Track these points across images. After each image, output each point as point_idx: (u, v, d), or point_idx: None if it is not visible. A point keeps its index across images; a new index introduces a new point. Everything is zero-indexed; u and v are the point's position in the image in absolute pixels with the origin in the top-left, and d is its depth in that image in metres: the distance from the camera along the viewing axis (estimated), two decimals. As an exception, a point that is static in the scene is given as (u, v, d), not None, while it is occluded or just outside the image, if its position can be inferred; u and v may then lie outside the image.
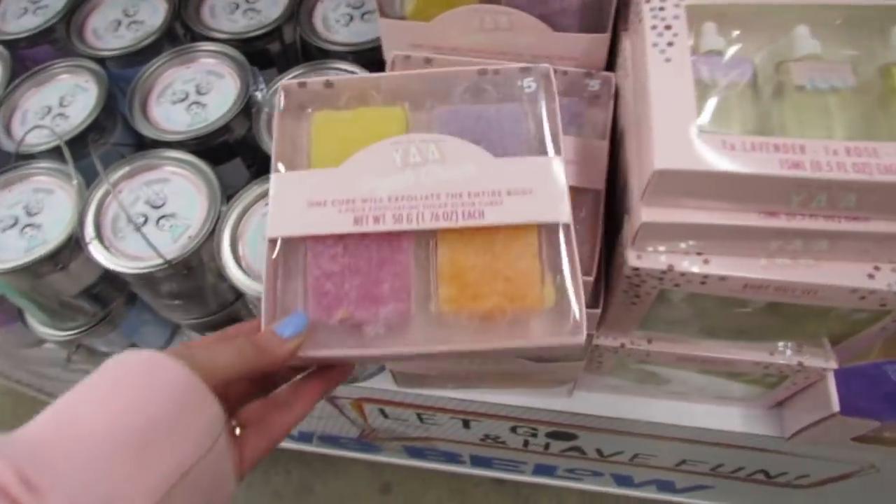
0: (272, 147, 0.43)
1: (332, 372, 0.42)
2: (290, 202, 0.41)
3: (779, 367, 0.56)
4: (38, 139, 0.65)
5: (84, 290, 0.65)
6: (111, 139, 0.68)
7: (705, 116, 0.38)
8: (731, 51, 0.41)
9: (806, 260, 0.41)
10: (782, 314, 0.48)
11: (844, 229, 0.38)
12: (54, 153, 0.64)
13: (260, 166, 0.68)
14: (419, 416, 0.84)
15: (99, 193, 0.60)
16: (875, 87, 0.39)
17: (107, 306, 0.69)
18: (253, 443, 0.39)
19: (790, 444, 0.68)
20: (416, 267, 0.41)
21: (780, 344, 0.54)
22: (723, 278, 0.42)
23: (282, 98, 0.45)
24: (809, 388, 0.60)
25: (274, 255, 0.41)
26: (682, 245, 0.42)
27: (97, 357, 0.77)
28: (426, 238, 0.41)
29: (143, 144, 0.67)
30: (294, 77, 0.66)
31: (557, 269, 0.39)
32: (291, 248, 0.41)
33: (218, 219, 0.57)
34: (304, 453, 1.23)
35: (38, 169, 0.64)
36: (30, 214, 0.61)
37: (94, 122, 0.65)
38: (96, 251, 0.57)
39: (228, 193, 0.60)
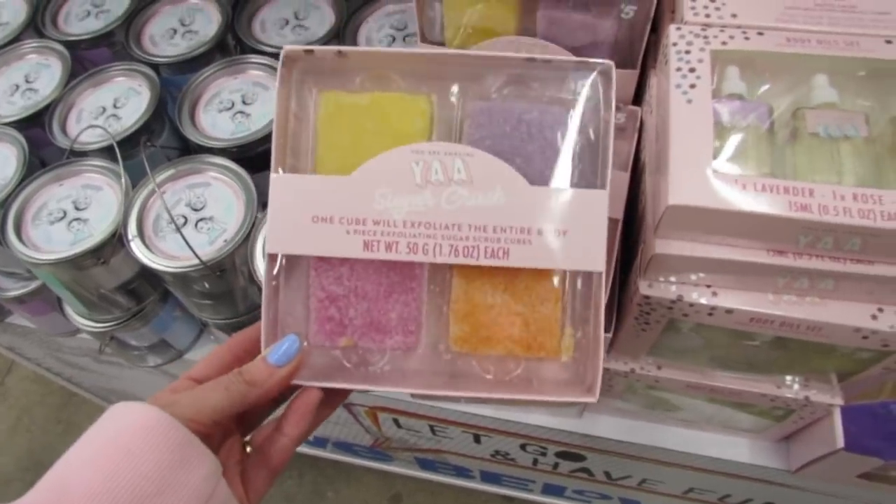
0: (273, 133, 0.38)
1: (330, 391, 0.39)
2: (293, 213, 0.37)
3: (785, 401, 0.57)
4: (90, 138, 0.69)
5: (121, 285, 0.68)
6: (158, 142, 0.72)
7: (721, 157, 0.41)
8: (752, 95, 0.44)
9: (812, 298, 0.43)
10: (789, 349, 0.49)
11: (849, 271, 0.40)
12: (105, 152, 0.68)
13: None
14: (431, 429, 0.86)
15: (144, 193, 0.64)
16: (886, 138, 0.41)
17: (141, 302, 0.73)
18: (255, 476, 0.38)
19: (796, 478, 0.69)
20: (429, 297, 0.38)
21: (788, 378, 0.56)
22: (729, 311, 0.44)
23: (283, 68, 0.38)
24: (816, 423, 0.61)
25: (275, 272, 0.38)
26: (693, 277, 0.44)
27: (127, 350, 0.81)
28: (443, 265, 0.38)
29: (187, 149, 0.71)
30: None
31: (580, 321, 0.37)
32: (294, 263, 0.38)
33: (253, 225, 0.60)
34: (318, 459, 1.25)
35: (89, 166, 0.67)
36: (78, 209, 0.65)
37: (145, 125, 0.69)
38: (137, 248, 0.61)
39: (265, 200, 0.64)
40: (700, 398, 0.62)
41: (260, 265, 0.59)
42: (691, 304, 0.44)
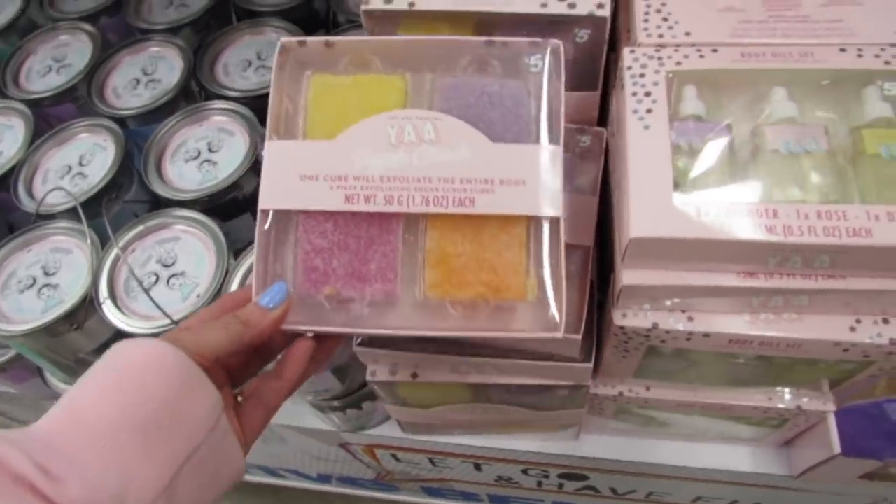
0: (268, 111, 0.42)
1: (320, 342, 0.42)
2: (283, 173, 0.41)
3: (778, 412, 0.56)
4: (57, 199, 0.68)
5: (99, 347, 0.67)
6: (126, 196, 0.71)
7: (682, 182, 0.40)
8: (711, 114, 0.43)
9: (789, 314, 0.42)
10: (774, 364, 0.48)
11: (821, 287, 0.39)
12: (73, 213, 0.67)
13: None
14: (430, 460, 0.85)
15: (113, 254, 0.63)
16: (847, 149, 0.40)
17: (123, 358, 0.71)
18: (251, 414, 0.40)
19: (801, 482, 0.68)
20: (405, 248, 0.42)
21: (778, 389, 0.55)
22: (707, 335, 0.43)
23: (280, 56, 0.44)
24: (813, 428, 0.60)
25: (266, 227, 0.42)
26: (667, 303, 0.43)
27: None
28: (416, 219, 0.41)
29: (157, 201, 0.70)
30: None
31: (543, 264, 0.40)
32: (283, 220, 0.42)
33: (225, 277, 0.60)
34: (326, 493, 1.23)
35: (57, 229, 0.66)
36: (47, 274, 0.64)
37: (111, 181, 0.68)
38: (109, 311, 0.60)
39: (237, 247, 0.63)
40: (693, 414, 0.61)
41: (235, 317, 0.58)
42: (668, 331, 0.43)
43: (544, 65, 0.42)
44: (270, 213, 0.42)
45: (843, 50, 0.42)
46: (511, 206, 0.39)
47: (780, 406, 0.55)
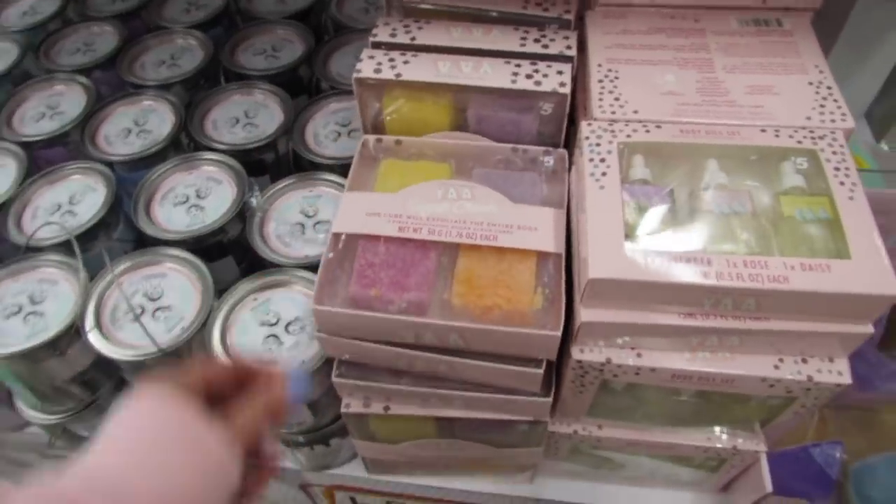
0: (349, 176, 0.58)
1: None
2: (354, 211, 0.54)
3: (717, 451, 0.61)
4: (46, 234, 0.71)
5: (76, 375, 0.69)
6: (114, 235, 0.74)
7: (632, 235, 0.46)
8: (656, 180, 0.50)
9: (723, 353, 0.49)
10: (711, 401, 0.54)
11: (749, 327, 0.46)
12: (60, 247, 0.70)
13: (249, 264, 0.74)
14: (388, 504, 0.87)
15: (101, 285, 0.66)
16: (769, 212, 0.48)
17: (95, 391, 0.73)
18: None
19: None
20: (439, 271, 0.53)
21: (717, 429, 0.61)
22: (653, 369, 0.49)
23: (362, 147, 0.61)
24: (747, 471, 0.65)
25: (339, 246, 0.54)
26: (619, 341, 0.49)
27: (77, 442, 0.80)
28: (451, 252, 0.53)
29: (143, 241, 0.73)
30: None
31: (546, 285, 0.51)
32: (349, 243, 0.54)
33: (210, 312, 0.63)
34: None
35: (45, 261, 0.69)
36: (34, 303, 0.67)
37: (101, 220, 0.72)
38: (95, 339, 0.62)
39: (218, 288, 0.67)
40: (641, 454, 0.66)
41: (218, 350, 0.62)
42: (619, 366, 0.49)
43: (552, 164, 0.59)
44: (343, 236, 0.54)
45: (763, 130, 0.51)
46: (525, 242, 0.52)
47: (719, 446, 0.61)
